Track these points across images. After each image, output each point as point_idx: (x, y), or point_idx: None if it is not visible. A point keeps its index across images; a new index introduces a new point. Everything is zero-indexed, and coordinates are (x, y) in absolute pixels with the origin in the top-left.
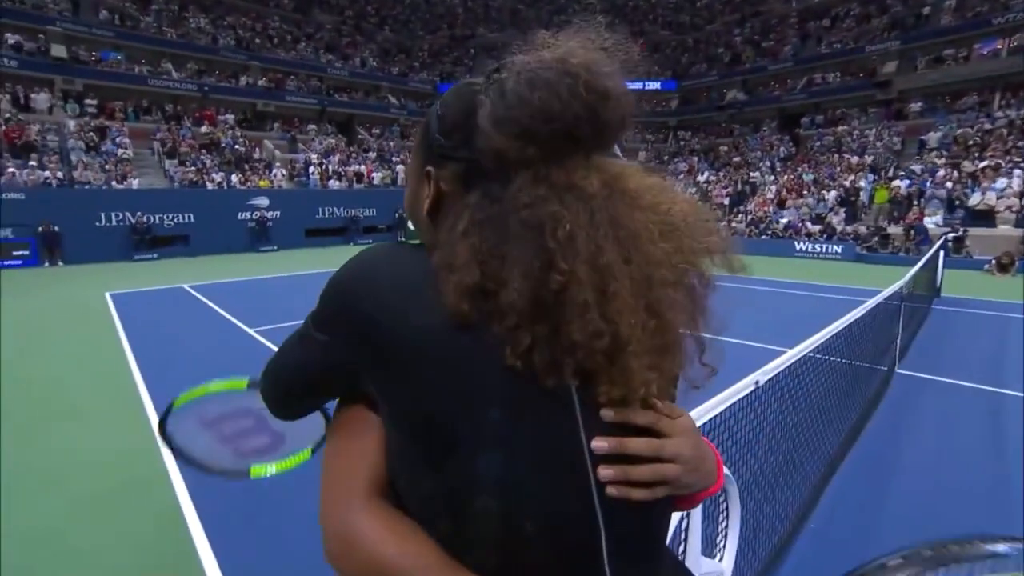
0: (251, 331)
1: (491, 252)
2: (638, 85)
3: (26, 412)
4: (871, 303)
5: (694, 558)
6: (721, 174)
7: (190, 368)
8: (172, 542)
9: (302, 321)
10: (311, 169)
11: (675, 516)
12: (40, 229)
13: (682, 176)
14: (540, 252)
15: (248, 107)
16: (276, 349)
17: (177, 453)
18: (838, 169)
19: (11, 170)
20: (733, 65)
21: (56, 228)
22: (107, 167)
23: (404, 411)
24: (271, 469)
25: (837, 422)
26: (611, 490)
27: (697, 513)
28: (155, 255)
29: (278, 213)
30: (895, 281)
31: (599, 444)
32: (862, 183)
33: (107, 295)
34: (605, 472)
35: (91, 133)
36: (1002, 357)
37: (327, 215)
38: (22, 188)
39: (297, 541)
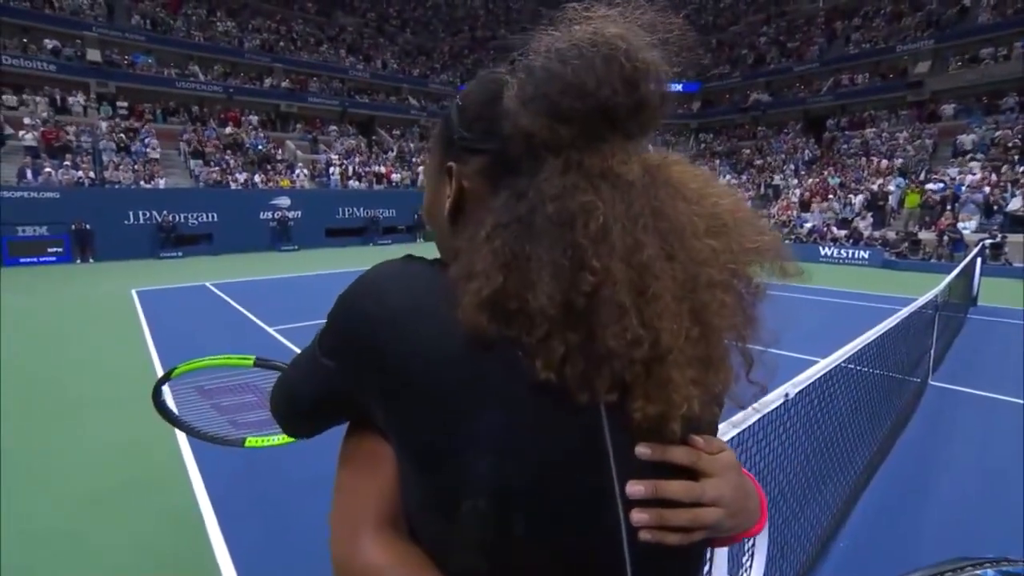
0: (270, 330)
1: (516, 254)
2: None
3: (47, 405)
4: (905, 311)
5: None
6: (743, 177)
7: None
8: (186, 537)
9: (320, 321)
10: (332, 170)
11: None
12: (73, 227)
13: None
14: (570, 249)
15: (271, 108)
16: (294, 350)
17: (169, 417)
18: (865, 172)
19: (48, 170)
20: (757, 66)
21: (88, 226)
22: (136, 167)
23: (416, 440)
24: (271, 440)
25: (868, 435)
26: (644, 535)
27: None
28: (180, 253)
29: (299, 213)
30: (926, 289)
31: (634, 489)
32: (891, 187)
33: (133, 292)
34: (639, 517)
35: (121, 134)
36: None
37: (347, 215)
38: (57, 188)
39: (319, 543)
